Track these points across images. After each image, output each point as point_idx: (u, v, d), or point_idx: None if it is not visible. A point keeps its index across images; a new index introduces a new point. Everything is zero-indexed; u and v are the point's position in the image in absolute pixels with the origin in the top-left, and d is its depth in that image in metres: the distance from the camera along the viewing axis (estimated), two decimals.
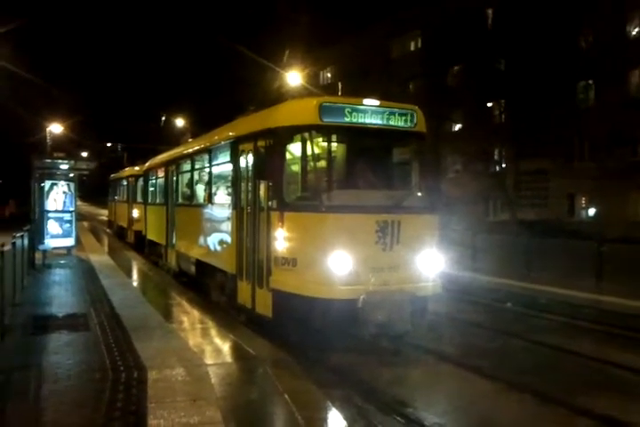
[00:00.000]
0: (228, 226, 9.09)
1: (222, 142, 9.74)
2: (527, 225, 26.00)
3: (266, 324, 7.80)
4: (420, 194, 8.25)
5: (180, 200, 12.90)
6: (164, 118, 37.86)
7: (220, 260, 9.56)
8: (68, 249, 16.07)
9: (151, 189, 16.93)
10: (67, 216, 15.60)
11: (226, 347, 7.13)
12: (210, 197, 10.40)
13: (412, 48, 40.81)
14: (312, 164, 7.83)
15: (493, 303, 12.12)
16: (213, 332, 7.80)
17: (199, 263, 10.98)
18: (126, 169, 25.78)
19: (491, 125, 33.15)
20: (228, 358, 6.60)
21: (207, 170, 10.69)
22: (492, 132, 32.11)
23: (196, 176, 11.73)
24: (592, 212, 29.91)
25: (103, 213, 42.79)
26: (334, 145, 8.58)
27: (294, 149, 7.95)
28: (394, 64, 40.61)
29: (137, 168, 21.77)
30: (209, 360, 6.32)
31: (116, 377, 5.66)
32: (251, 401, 5.26)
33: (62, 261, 14.97)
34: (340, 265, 6.95)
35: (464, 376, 7.11)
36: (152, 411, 4.80)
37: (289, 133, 7.59)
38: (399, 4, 37.81)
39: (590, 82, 29.42)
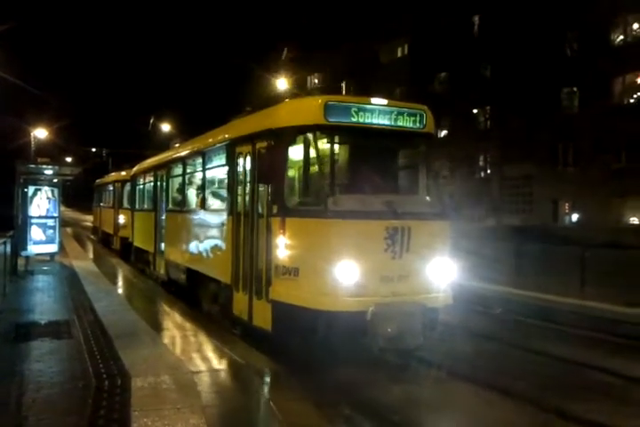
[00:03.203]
0: (222, 233, 8.66)
1: (217, 145, 9.30)
2: (512, 231, 26.13)
3: (252, 329, 7.59)
4: (430, 199, 7.82)
5: (171, 206, 12.42)
6: (152, 121, 37.69)
7: (214, 269, 9.11)
8: (52, 255, 15.89)
9: (139, 194, 16.51)
10: (50, 222, 15.41)
11: (212, 354, 7.03)
12: (203, 203, 9.92)
13: (400, 54, 41.08)
14: (316, 166, 7.29)
15: (477, 308, 12.10)
16: (199, 339, 7.69)
17: (190, 272, 10.52)
18: (112, 174, 25.42)
19: (476, 131, 33.42)
20: (214, 366, 6.50)
21: (200, 174, 10.22)
22: (477, 138, 32.38)
23: (188, 181, 11.20)
24: (575, 217, 30.19)
25: (87, 219, 42.41)
26: (340, 146, 8.09)
27: (297, 150, 7.46)
28: (381, 70, 40.83)
29: (123, 173, 21.49)
30: (194, 368, 6.24)
31: (100, 385, 5.58)
32: (236, 409, 5.21)
33: (45, 268, 14.79)
34: (346, 275, 6.51)
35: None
36: (136, 419, 4.74)
37: (291, 134, 7.16)
38: (387, 11, 38.04)
39: (575, 89, 29.75)
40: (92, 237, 29.98)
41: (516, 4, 28.83)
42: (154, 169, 14.16)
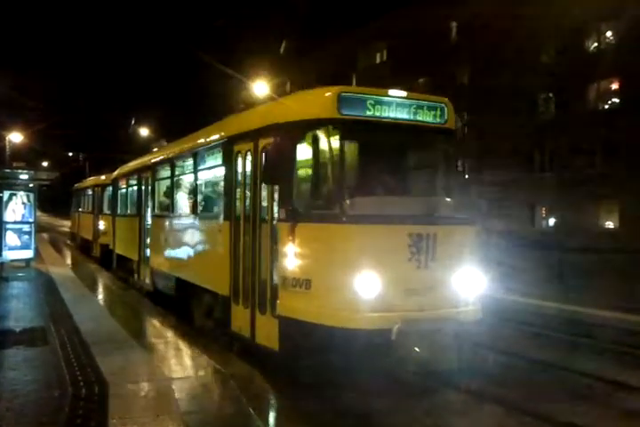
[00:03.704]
0: (219, 240, 7.93)
1: (212, 143, 8.55)
2: (491, 235, 26.39)
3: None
4: (454, 202, 7.10)
5: (158, 211, 11.49)
6: (132, 123, 37.39)
7: (209, 279, 8.33)
8: (27, 262, 15.64)
9: (121, 199, 15.82)
10: (26, 227, 15.20)
11: (193, 362, 6.90)
12: (195, 207, 9.21)
13: (378, 60, 41.40)
14: (329, 165, 6.41)
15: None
16: (179, 347, 7.58)
17: (180, 282, 9.68)
18: (91, 178, 25.01)
19: None
20: (195, 374, 6.41)
21: (192, 176, 9.44)
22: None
23: (177, 184, 10.35)
24: (552, 222, 30.64)
25: (65, 225, 41.85)
26: (356, 143, 7.41)
27: (307, 148, 6.63)
28: (359, 75, 41.10)
29: (103, 177, 21.01)
30: (173, 375, 6.17)
31: (77, 393, 5.48)
32: (216, 417, 5.14)
33: (21, 274, 14.52)
34: (367, 287, 5.79)
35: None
36: None
37: (301, 129, 6.43)
38: (365, 17, 38.36)
39: (551, 95, 30.26)
40: (70, 243, 29.55)
41: (493, 12, 29.27)
42: (138, 172, 13.38)
